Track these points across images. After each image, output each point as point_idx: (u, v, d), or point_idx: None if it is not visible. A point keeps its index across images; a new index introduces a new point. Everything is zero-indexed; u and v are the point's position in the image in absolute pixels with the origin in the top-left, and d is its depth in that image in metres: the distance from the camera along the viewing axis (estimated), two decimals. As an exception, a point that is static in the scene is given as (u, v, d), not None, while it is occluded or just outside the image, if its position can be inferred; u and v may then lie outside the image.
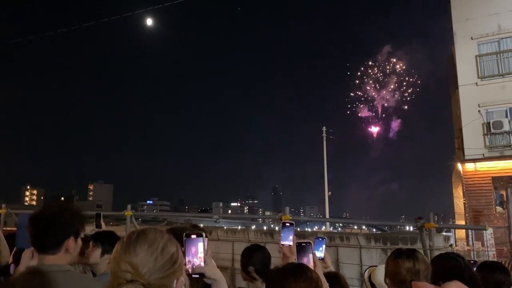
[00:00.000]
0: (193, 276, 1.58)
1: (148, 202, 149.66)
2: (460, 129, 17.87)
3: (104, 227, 4.57)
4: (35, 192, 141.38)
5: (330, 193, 28.04)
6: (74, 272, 1.97)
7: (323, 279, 1.89)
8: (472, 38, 17.10)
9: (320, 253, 2.49)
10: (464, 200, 21.18)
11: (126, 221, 5.58)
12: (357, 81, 57.57)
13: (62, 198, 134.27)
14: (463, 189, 21.06)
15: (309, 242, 2.04)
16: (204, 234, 1.62)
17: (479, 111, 16.64)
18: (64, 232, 1.93)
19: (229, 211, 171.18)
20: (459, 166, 17.41)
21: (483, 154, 16.29)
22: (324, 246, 2.53)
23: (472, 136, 16.63)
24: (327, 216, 26.68)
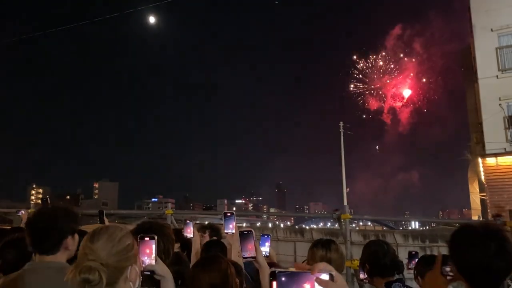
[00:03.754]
0: (145, 272, 1.83)
1: (153, 199, 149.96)
2: (479, 123, 17.52)
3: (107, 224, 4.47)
4: (40, 191, 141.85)
5: (348, 189, 27.71)
6: (68, 269, 2.13)
7: (264, 264, 2.13)
8: (492, 30, 16.71)
9: (265, 249, 2.64)
10: (481, 195, 20.91)
11: (166, 219, 5.44)
12: (364, 69, 57.07)
13: (68, 197, 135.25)
14: (479, 184, 20.82)
15: (251, 230, 2.18)
16: (156, 237, 1.90)
17: (500, 104, 16.27)
18: (61, 234, 2.10)
19: (234, 208, 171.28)
20: (480, 160, 17.04)
21: (505, 149, 15.92)
22: (269, 242, 2.72)
23: (493, 130, 16.26)
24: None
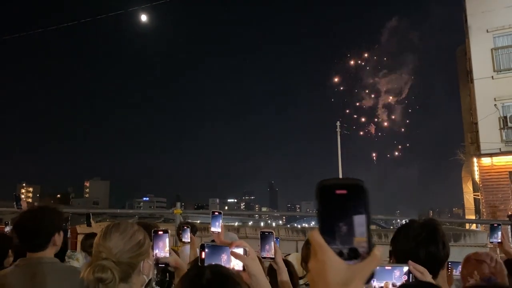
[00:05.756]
0: (160, 265, 1.98)
1: (144, 199, 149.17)
2: (474, 123, 17.68)
3: (94, 226, 4.70)
4: (30, 189, 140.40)
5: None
6: (59, 262, 2.33)
7: (282, 265, 2.04)
8: (487, 31, 16.85)
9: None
10: (474, 195, 21.09)
11: (175, 219, 5.42)
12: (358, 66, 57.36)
13: (58, 196, 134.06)
14: (473, 184, 20.98)
15: (271, 232, 2.22)
16: (169, 231, 2.05)
17: (495, 105, 16.41)
18: (49, 232, 2.26)
19: (226, 208, 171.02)
20: (475, 160, 17.19)
21: (500, 149, 16.09)
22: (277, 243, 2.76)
23: (488, 130, 16.42)
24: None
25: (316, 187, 0.64)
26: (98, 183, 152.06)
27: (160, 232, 2.03)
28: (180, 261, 2.06)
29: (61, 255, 3.25)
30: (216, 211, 2.83)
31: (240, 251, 1.31)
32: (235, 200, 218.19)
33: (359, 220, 0.63)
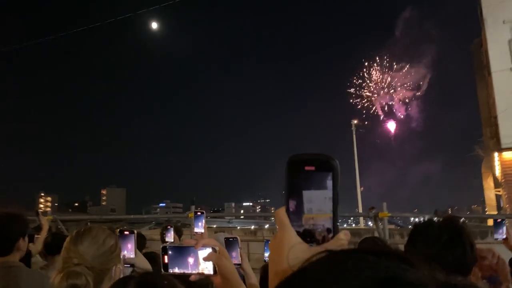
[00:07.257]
0: (125, 265, 1.89)
1: (160, 205, 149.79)
2: (493, 117, 17.23)
3: None
4: (49, 199, 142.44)
5: (362, 188, 27.38)
6: (23, 266, 2.41)
7: (249, 271, 2.03)
8: (504, 22, 16.44)
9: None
10: (495, 191, 20.56)
11: (191, 223, 5.33)
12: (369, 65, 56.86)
13: (76, 204, 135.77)
14: (494, 180, 20.47)
15: (236, 237, 2.22)
16: (135, 231, 2.03)
17: (514, 97, 15.97)
18: (13, 237, 2.36)
19: (242, 211, 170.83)
20: (495, 155, 16.74)
21: (521, 142, 15.63)
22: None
23: (508, 123, 15.96)
24: (361, 211, 25.95)
25: (286, 162, 0.62)
26: (115, 191, 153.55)
27: (126, 232, 2.00)
28: (147, 262, 2.03)
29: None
30: (198, 211, 2.76)
31: (207, 251, 1.16)
32: (251, 204, 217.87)
33: (326, 198, 0.60)
